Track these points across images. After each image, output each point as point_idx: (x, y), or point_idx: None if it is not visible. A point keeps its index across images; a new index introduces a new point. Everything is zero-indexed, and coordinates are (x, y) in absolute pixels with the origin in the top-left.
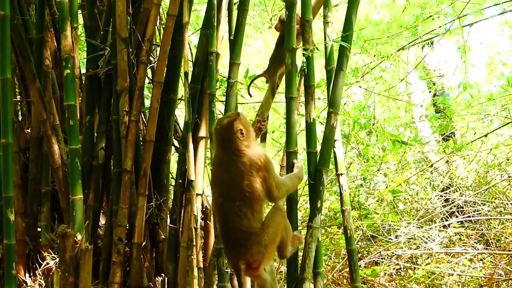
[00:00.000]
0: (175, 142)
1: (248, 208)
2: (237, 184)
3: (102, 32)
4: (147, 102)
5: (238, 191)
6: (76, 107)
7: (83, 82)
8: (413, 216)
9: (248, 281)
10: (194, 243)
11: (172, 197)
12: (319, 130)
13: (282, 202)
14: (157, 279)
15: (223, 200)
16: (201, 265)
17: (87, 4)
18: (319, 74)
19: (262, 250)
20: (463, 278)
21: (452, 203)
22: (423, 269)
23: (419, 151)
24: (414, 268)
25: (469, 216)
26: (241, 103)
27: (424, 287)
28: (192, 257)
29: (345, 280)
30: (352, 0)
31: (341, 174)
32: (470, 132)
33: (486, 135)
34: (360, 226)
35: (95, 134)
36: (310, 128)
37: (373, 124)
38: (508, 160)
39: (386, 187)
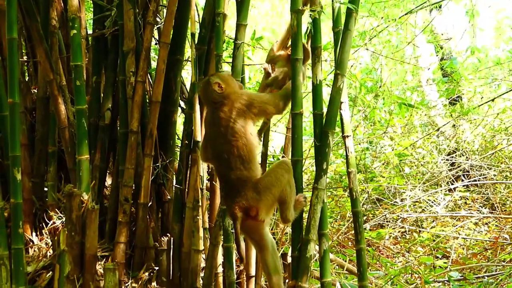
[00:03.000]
0: (182, 103)
1: (238, 159)
2: (223, 136)
3: None
4: (154, 63)
5: (225, 144)
6: (83, 68)
7: (90, 42)
8: (418, 179)
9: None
10: (200, 204)
11: (178, 158)
12: (326, 93)
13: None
14: (162, 239)
15: (216, 155)
16: (207, 225)
17: None
18: (326, 37)
19: (256, 197)
20: (468, 242)
21: (458, 167)
22: (428, 232)
23: (425, 115)
24: (419, 231)
25: (475, 180)
26: (248, 65)
27: (429, 250)
28: (198, 217)
29: (350, 243)
30: None
31: (347, 136)
32: (477, 96)
33: (493, 100)
34: (365, 189)
35: (102, 95)
36: (316, 90)
37: (380, 87)
38: None
39: (392, 150)
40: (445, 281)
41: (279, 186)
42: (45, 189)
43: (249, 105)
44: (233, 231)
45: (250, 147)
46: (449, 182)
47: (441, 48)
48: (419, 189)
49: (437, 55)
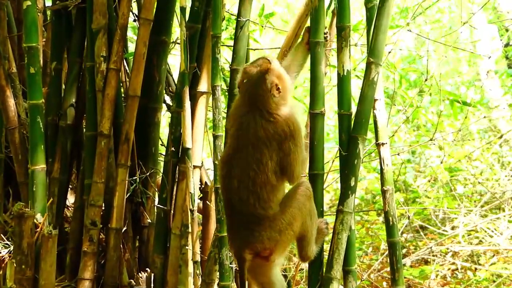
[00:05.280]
0: (167, 99)
1: (252, 195)
2: (246, 156)
3: None
4: (132, 46)
5: (243, 170)
6: (39, 51)
7: (49, 18)
8: (475, 202)
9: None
10: (190, 230)
11: (162, 170)
12: (355, 87)
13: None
14: (140, 275)
15: (227, 171)
16: (198, 258)
17: None
18: (357, 14)
19: (275, 237)
20: None
21: None
22: (486, 270)
23: (485, 117)
24: (475, 269)
25: None
26: (254, 49)
27: None
28: (187, 247)
29: (384, 283)
30: None
31: (383, 144)
32: None
33: None
34: (406, 213)
35: (63, 86)
36: (343, 83)
37: (426, 80)
38: None
39: (441, 163)
40: None
41: (301, 219)
42: None
43: (291, 139)
44: (232, 266)
45: (271, 188)
46: None
47: (507, 30)
48: (475, 214)
49: (501, 40)
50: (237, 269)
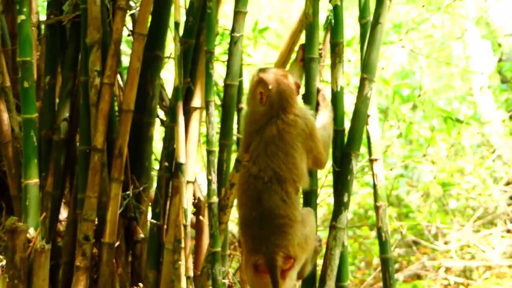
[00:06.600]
0: (161, 114)
1: (294, 189)
2: (280, 159)
3: None
4: (126, 61)
5: (283, 168)
6: (33, 65)
7: (43, 32)
8: (467, 216)
9: None
10: (183, 245)
11: (155, 185)
12: (349, 103)
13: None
14: None
15: (258, 175)
16: (191, 273)
17: None
18: (351, 29)
19: (303, 245)
20: None
21: None
22: (479, 285)
23: (478, 133)
24: (468, 284)
25: None
26: (247, 64)
27: None
28: (180, 262)
29: None
30: None
31: (376, 159)
32: None
33: None
34: (398, 228)
35: (57, 100)
36: (336, 99)
37: (419, 96)
38: None
39: (434, 178)
40: None
41: (314, 238)
42: None
43: (310, 137)
44: (225, 282)
45: (296, 192)
46: (507, 220)
47: (500, 45)
48: (468, 229)
49: (494, 55)
50: (230, 285)
